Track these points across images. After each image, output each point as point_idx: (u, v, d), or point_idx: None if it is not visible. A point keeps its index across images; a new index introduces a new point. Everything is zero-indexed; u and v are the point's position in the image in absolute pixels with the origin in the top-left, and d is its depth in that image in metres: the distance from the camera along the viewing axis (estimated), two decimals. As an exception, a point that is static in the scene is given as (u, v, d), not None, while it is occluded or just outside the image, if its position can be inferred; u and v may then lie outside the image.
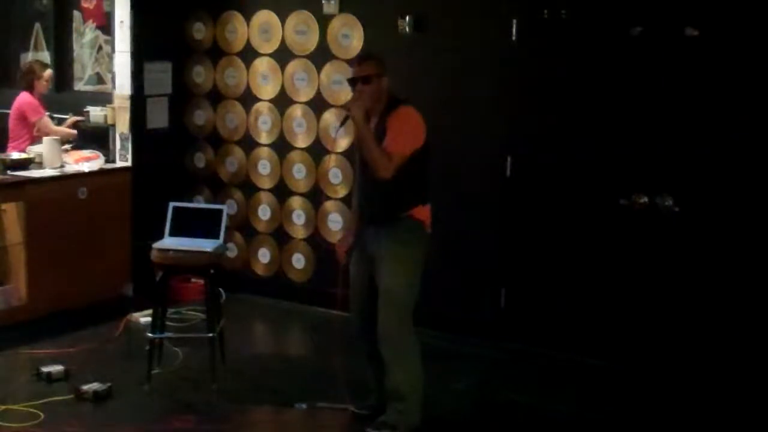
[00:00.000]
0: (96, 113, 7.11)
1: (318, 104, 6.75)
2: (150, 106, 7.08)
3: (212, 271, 5.41)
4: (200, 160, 7.41)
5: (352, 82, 4.69)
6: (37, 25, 8.15)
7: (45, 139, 6.71)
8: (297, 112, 6.87)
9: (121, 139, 6.96)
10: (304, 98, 6.82)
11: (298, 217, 6.97)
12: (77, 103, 7.44)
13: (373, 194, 4.70)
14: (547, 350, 5.90)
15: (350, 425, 4.96)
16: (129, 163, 6.94)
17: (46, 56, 8.01)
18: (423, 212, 4.71)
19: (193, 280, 6.74)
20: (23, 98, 7.16)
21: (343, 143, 6.62)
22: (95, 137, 7.03)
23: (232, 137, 7.22)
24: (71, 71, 7.94)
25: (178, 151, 7.40)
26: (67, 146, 6.94)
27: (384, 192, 4.61)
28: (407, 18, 6.23)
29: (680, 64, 5.40)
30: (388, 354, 4.66)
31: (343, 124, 4.87)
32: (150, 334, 5.40)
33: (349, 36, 6.54)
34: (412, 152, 4.59)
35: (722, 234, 5.37)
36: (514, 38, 5.93)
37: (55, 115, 7.41)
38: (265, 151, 7.08)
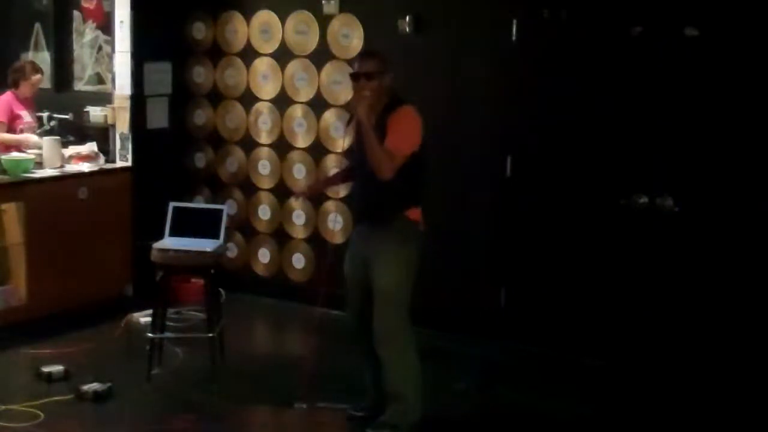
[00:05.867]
0: (96, 113, 7.11)
1: (318, 104, 6.75)
2: (150, 106, 7.09)
3: (212, 271, 5.41)
4: (200, 160, 7.41)
5: (355, 77, 4.63)
6: (37, 25, 8.14)
7: (45, 138, 6.71)
8: (297, 112, 6.87)
9: (121, 139, 6.96)
10: (304, 98, 6.82)
11: (298, 217, 6.97)
12: (77, 103, 7.44)
13: (370, 193, 4.67)
14: (547, 350, 5.90)
15: (350, 425, 4.96)
16: (129, 163, 6.94)
17: (46, 56, 8.00)
18: (416, 213, 4.71)
19: (193, 280, 6.73)
20: (1, 97, 7.07)
21: (342, 143, 6.62)
22: (95, 137, 7.02)
23: (232, 137, 7.22)
24: (71, 71, 7.93)
25: (178, 151, 7.40)
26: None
27: (380, 192, 4.59)
28: (407, 18, 6.24)
29: (680, 64, 5.40)
30: (386, 354, 4.66)
31: (349, 123, 4.85)
32: (150, 334, 5.41)
33: (349, 36, 6.55)
34: (411, 152, 4.59)
35: (722, 234, 5.37)
36: (514, 38, 5.93)
37: (55, 115, 7.40)
38: (265, 151, 7.08)
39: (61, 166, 6.58)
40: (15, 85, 6.97)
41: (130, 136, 6.93)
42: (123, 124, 6.96)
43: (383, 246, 4.62)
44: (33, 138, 6.80)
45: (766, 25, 5.17)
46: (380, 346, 4.66)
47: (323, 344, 6.31)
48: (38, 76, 7.01)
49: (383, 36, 6.31)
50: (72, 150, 6.77)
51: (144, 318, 6.23)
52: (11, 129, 6.90)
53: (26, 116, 6.97)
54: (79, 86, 7.91)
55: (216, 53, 7.21)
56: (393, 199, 4.62)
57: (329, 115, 6.71)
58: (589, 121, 5.73)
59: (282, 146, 6.97)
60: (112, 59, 7.08)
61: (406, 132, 4.59)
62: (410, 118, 4.63)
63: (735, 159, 5.31)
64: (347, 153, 5.06)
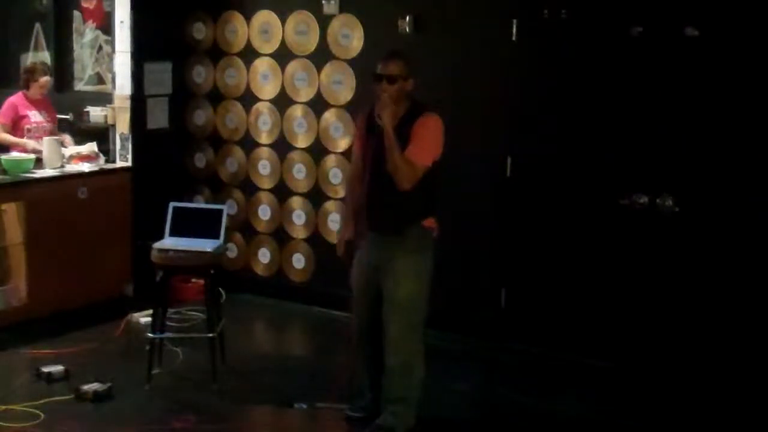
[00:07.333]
0: (96, 113, 7.11)
1: (318, 104, 6.75)
2: (150, 106, 7.09)
3: (212, 271, 5.41)
4: (200, 160, 7.41)
5: (377, 78, 4.50)
6: (37, 25, 8.16)
7: (45, 138, 6.70)
8: (297, 112, 6.87)
9: (121, 139, 6.96)
10: (304, 98, 6.82)
11: (298, 217, 6.97)
12: (77, 103, 7.44)
13: (388, 203, 4.56)
14: (547, 350, 5.90)
15: (349, 425, 4.96)
16: (129, 163, 6.94)
17: (46, 56, 8.01)
18: (431, 221, 4.68)
19: (193, 280, 6.74)
20: (9, 98, 7.08)
21: (342, 143, 6.63)
22: (95, 137, 7.02)
23: (232, 137, 7.22)
24: (71, 71, 7.94)
25: (178, 151, 7.40)
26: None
27: (399, 201, 4.52)
28: (407, 18, 6.24)
29: (680, 64, 5.40)
30: (397, 362, 4.63)
31: (371, 123, 4.59)
32: (150, 334, 5.40)
33: (349, 36, 6.55)
34: (433, 162, 4.54)
35: (722, 234, 5.37)
36: (514, 38, 5.93)
37: (57, 115, 7.41)
38: (265, 151, 7.08)
39: (61, 166, 6.58)
40: (26, 85, 6.99)
41: (130, 136, 6.93)
42: (123, 124, 6.96)
43: (402, 256, 4.56)
44: (31, 143, 6.77)
45: (766, 25, 5.17)
46: (392, 355, 4.62)
47: (323, 344, 6.32)
48: (45, 78, 7.02)
49: (383, 36, 6.31)
50: (72, 150, 6.77)
51: (144, 318, 6.24)
52: (17, 129, 6.90)
53: (34, 116, 6.97)
54: (79, 86, 7.92)
55: (216, 53, 7.21)
56: (411, 209, 4.56)
57: (329, 115, 6.71)
58: (589, 121, 5.73)
59: (282, 146, 6.97)
60: (112, 59, 7.07)
61: (431, 142, 4.52)
62: (435, 127, 4.55)
63: (735, 159, 5.31)
64: (357, 151, 4.82)
